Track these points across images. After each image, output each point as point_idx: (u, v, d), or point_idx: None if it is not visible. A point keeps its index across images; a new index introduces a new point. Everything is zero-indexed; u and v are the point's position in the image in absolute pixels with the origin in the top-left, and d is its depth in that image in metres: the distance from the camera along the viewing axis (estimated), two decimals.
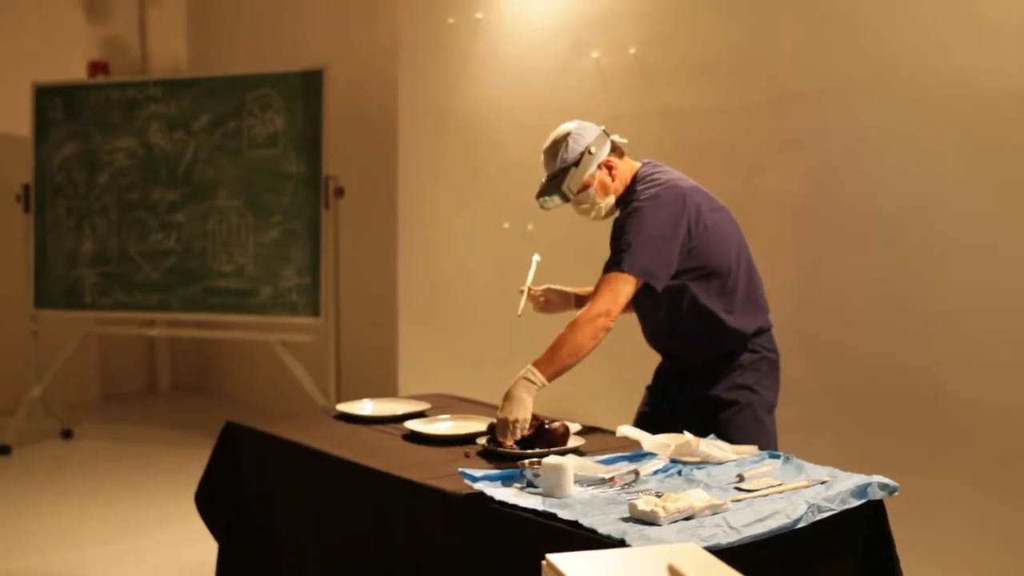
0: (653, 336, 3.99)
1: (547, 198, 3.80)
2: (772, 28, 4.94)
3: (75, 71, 8.95)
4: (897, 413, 4.53)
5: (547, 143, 3.84)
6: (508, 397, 3.52)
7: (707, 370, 3.83)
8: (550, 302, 4.14)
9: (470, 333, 6.52)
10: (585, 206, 3.83)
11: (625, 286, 3.61)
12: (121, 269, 7.94)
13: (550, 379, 3.55)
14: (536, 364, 3.55)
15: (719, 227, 3.79)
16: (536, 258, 4.05)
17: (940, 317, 4.40)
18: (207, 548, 4.23)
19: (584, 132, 3.80)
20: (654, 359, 4.06)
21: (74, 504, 6.55)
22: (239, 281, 7.65)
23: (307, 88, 7.46)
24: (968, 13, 4.27)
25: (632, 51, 5.27)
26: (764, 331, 3.89)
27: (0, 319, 8.64)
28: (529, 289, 4.07)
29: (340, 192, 7.38)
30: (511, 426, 3.50)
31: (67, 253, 8.06)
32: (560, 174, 3.78)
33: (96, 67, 9.23)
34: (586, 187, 3.78)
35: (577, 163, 3.76)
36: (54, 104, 8.10)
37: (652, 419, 3.92)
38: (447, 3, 6.53)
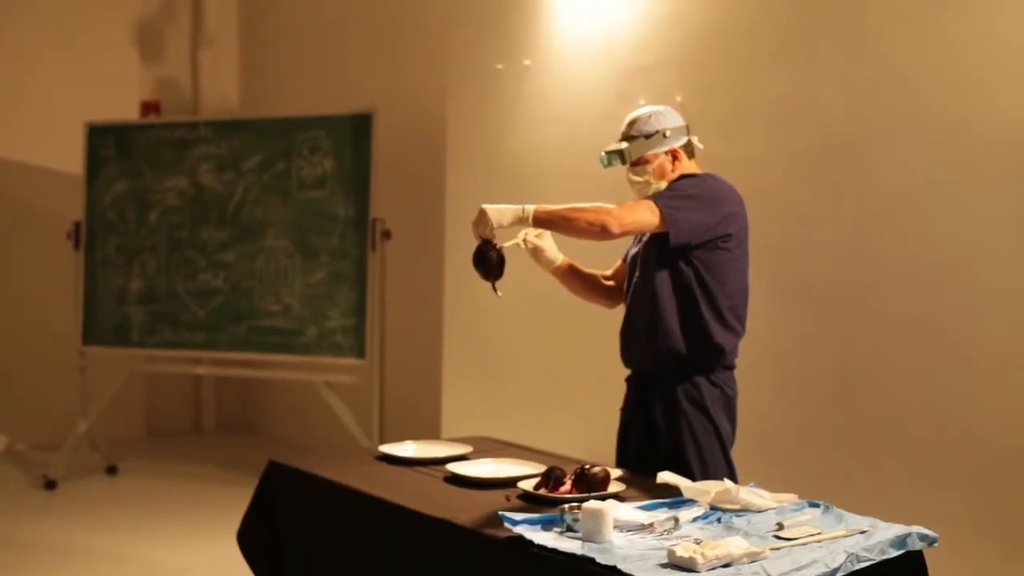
0: (630, 328, 4.07)
1: (608, 155, 3.99)
2: (818, 77, 4.96)
3: (128, 111, 9.05)
4: (938, 462, 4.51)
5: (633, 114, 4.05)
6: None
7: (671, 395, 3.92)
8: (539, 250, 4.21)
9: (514, 377, 6.53)
10: (638, 180, 4.01)
11: (648, 213, 3.78)
12: (169, 307, 8.01)
13: (535, 223, 3.83)
14: (538, 206, 3.79)
15: (747, 246, 3.98)
16: None
17: (983, 367, 4.39)
18: None
19: (667, 116, 4.04)
20: None
21: (118, 540, 6.58)
22: (285, 321, 7.69)
23: (356, 131, 7.52)
24: (1016, 62, 4.27)
25: (678, 99, 5.30)
26: (730, 368, 3.99)
27: (49, 355, 8.71)
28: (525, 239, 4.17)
29: (387, 234, 7.42)
30: (485, 218, 3.78)
31: (116, 290, 8.13)
32: (629, 140, 3.99)
33: (148, 107, 9.33)
34: (646, 162, 3.98)
35: (648, 136, 3.96)
36: (106, 143, 8.19)
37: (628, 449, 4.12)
38: (496, 49, 6.59)
